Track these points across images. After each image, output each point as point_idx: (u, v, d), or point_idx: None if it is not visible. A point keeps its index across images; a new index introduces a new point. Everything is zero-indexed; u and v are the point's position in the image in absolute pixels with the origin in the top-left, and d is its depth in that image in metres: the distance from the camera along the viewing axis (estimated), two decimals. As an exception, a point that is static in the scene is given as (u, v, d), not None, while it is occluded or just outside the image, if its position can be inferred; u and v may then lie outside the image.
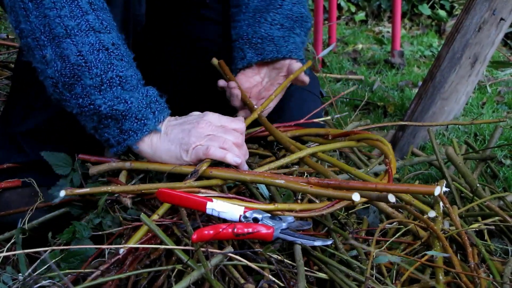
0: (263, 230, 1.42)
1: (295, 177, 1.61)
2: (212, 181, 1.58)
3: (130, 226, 1.54)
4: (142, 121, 1.62)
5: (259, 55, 1.94)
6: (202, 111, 1.72)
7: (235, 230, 1.40)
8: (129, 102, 1.60)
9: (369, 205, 1.73)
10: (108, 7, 1.64)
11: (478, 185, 1.93)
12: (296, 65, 1.91)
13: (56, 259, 1.49)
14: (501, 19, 2.64)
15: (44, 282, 1.29)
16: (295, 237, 1.45)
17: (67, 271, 1.43)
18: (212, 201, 1.49)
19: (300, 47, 1.95)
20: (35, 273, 1.45)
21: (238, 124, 1.71)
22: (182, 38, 2.16)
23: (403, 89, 3.49)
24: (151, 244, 1.43)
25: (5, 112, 1.97)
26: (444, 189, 1.80)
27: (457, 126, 2.81)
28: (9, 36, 3.70)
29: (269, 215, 1.49)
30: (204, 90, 2.11)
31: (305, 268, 1.38)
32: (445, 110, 2.67)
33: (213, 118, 1.69)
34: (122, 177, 1.68)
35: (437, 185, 1.45)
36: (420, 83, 3.19)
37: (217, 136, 1.65)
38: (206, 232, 1.38)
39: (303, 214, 1.51)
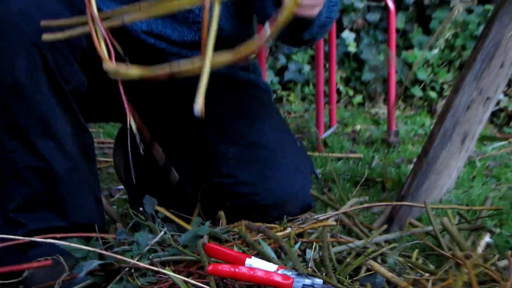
0: (280, 279, 1.45)
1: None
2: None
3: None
4: None
5: None
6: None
7: (251, 272, 1.46)
8: None
9: (373, 272, 1.76)
10: None
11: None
12: None
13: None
14: (487, 98, 2.70)
15: None
16: None
17: None
18: (250, 257, 1.61)
19: None
20: None
21: None
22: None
23: (399, 165, 3.56)
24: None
25: None
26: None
27: (450, 198, 2.92)
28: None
29: (302, 275, 1.51)
30: None
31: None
32: (438, 184, 2.76)
33: None
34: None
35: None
36: (414, 159, 3.26)
37: None
38: (220, 268, 1.47)
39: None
